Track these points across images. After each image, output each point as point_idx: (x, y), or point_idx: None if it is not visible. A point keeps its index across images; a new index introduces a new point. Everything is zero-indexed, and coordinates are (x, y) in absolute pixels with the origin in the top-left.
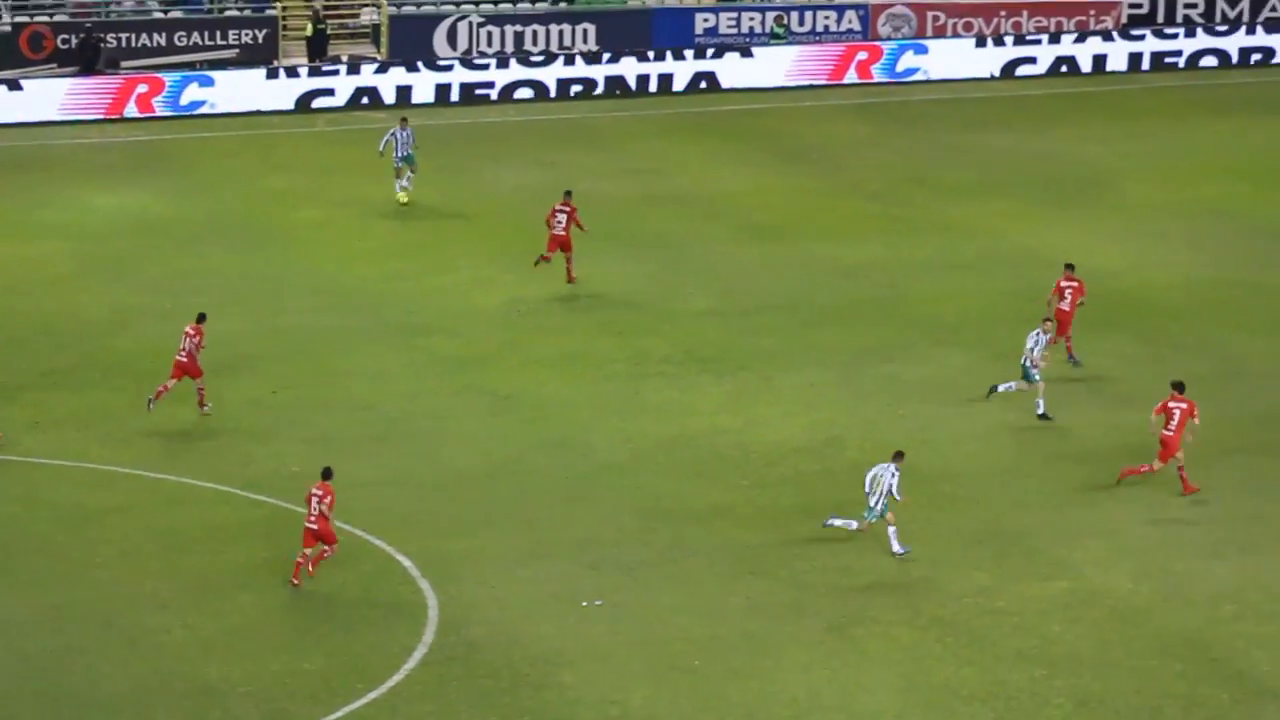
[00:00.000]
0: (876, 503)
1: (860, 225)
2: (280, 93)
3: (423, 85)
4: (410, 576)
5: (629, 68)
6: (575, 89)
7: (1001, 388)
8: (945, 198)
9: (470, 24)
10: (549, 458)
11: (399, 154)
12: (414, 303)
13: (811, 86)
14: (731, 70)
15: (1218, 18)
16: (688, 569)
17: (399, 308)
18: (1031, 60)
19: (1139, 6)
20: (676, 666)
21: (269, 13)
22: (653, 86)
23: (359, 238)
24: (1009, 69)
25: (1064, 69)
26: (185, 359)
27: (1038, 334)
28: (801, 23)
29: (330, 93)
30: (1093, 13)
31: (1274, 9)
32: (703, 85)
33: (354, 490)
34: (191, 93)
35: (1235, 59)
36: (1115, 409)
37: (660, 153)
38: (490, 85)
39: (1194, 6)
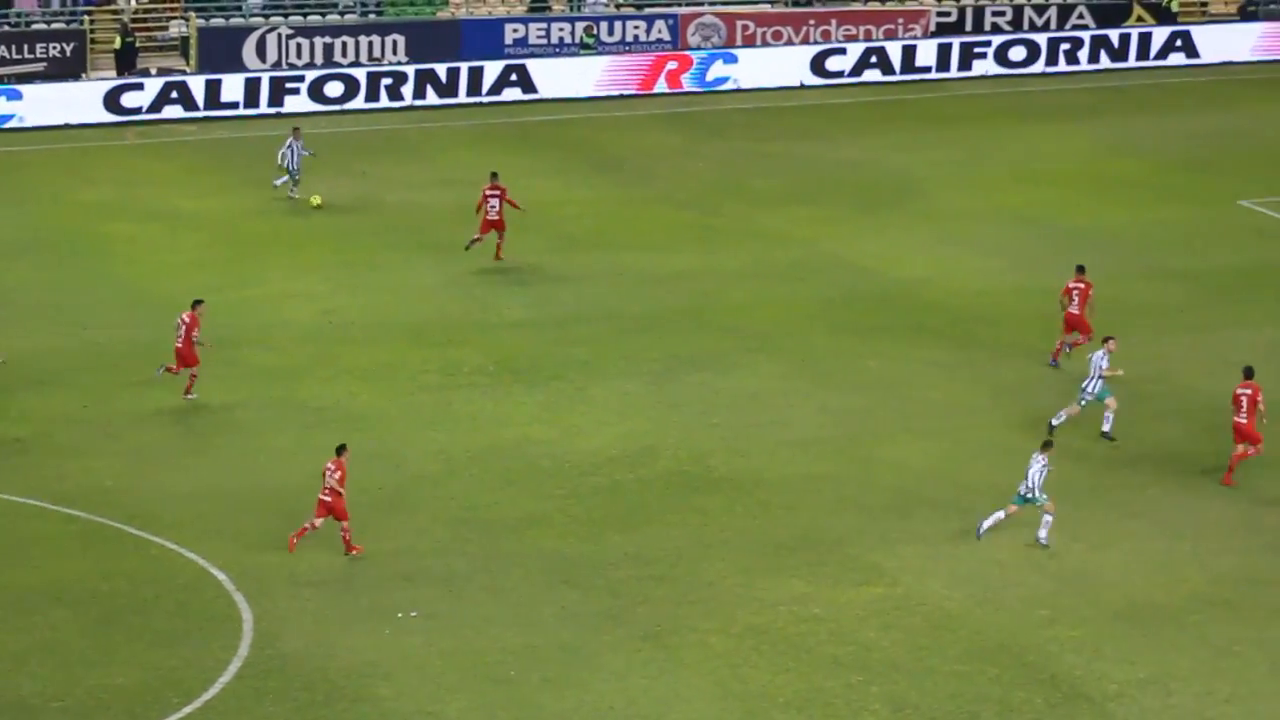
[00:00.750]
0: (1028, 491)
1: (672, 235)
2: (89, 105)
3: (232, 89)
4: (225, 590)
5: (439, 78)
6: (386, 99)
7: (1056, 420)
8: (756, 206)
9: (279, 35)
10: (362, 470)
11: (293, 164)
12: (226, 316)
13: (622, 96)
14: (542, 80)
15: (1025, 26)
16: (503, 579)
17: (211, 321)
18: (841, 70)
19: (947, 15)
20: (492, 677)
21: (77, 26)
22: (463, 97)
23: (170, 251)
24: (819, 78)
25: (873, 78)
26: (182, 345)
27: (1101, 354)
28: (611, 33)
29: (139, 107)
30: (901, 20)
31: (1080, 17)
32: (514, 96)
33: (168, 504)
34: None
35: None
36: (928, 415)
37: (472, 163)
38: (297, 90)
39: (1002, 14)
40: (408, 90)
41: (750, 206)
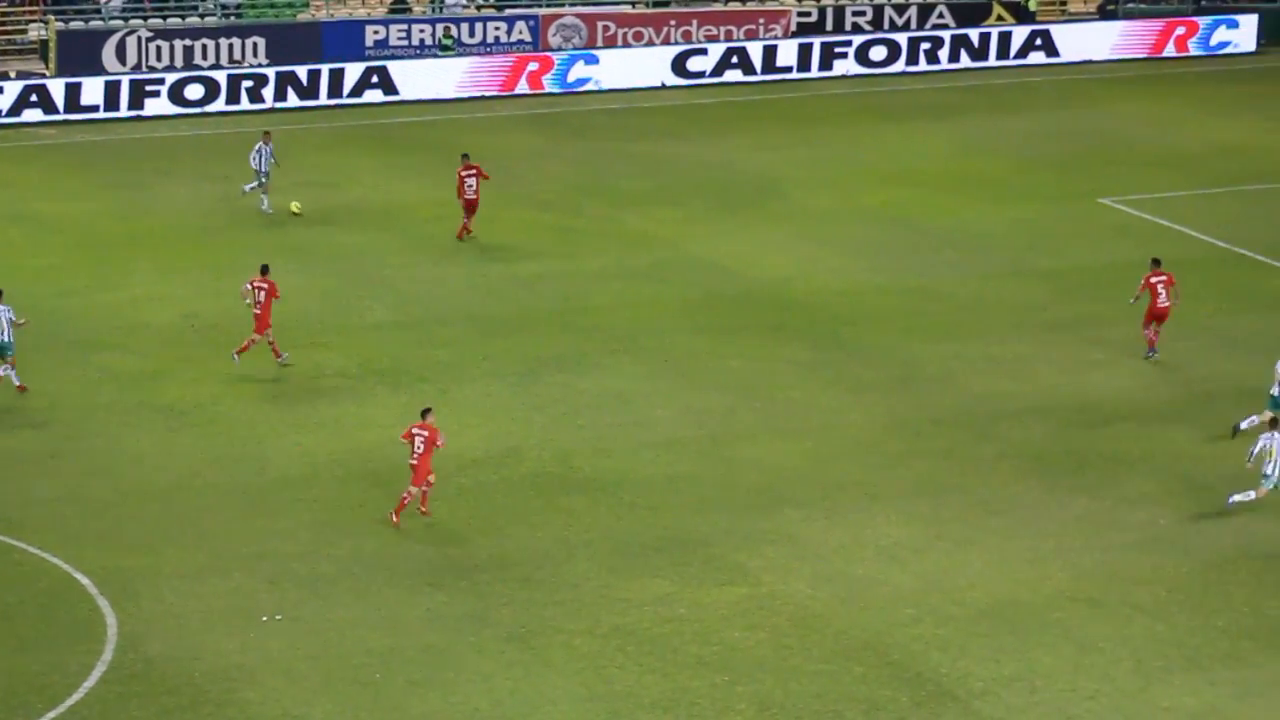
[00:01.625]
0: (1274, 470)
1: (535, 236)
2: None
3: (92, 92)
4: (89, 594)
5: (300, 80)
6: (247, 102)
7: (1244, 424)
8: (619, 207)
9: (139, 38)
10: (225, 472)
11: (263, 168)
12: (87, 319)
13: (484, 98)
14: (403, 82)
15: (886, 26)
16: (367, 582)
17: (71, 325)
18: (702, 70)
19: (808, 15)
20: (358, 680)
21: None
22: (324, 99)
23: (30, 254)
24: (680, 78)
25: (735, 78)
26: (259, 311)
27: None
28: (472, 34)
29: None
30: (762, 21)
31: (941, 16)
32: (375, 98)
33: (30, 508)
34: None
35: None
36: (790, 415)
37: (334, 165)
38: (157, 93)
39: (862, 14)
40: (268, 93)
41: (613, 207)
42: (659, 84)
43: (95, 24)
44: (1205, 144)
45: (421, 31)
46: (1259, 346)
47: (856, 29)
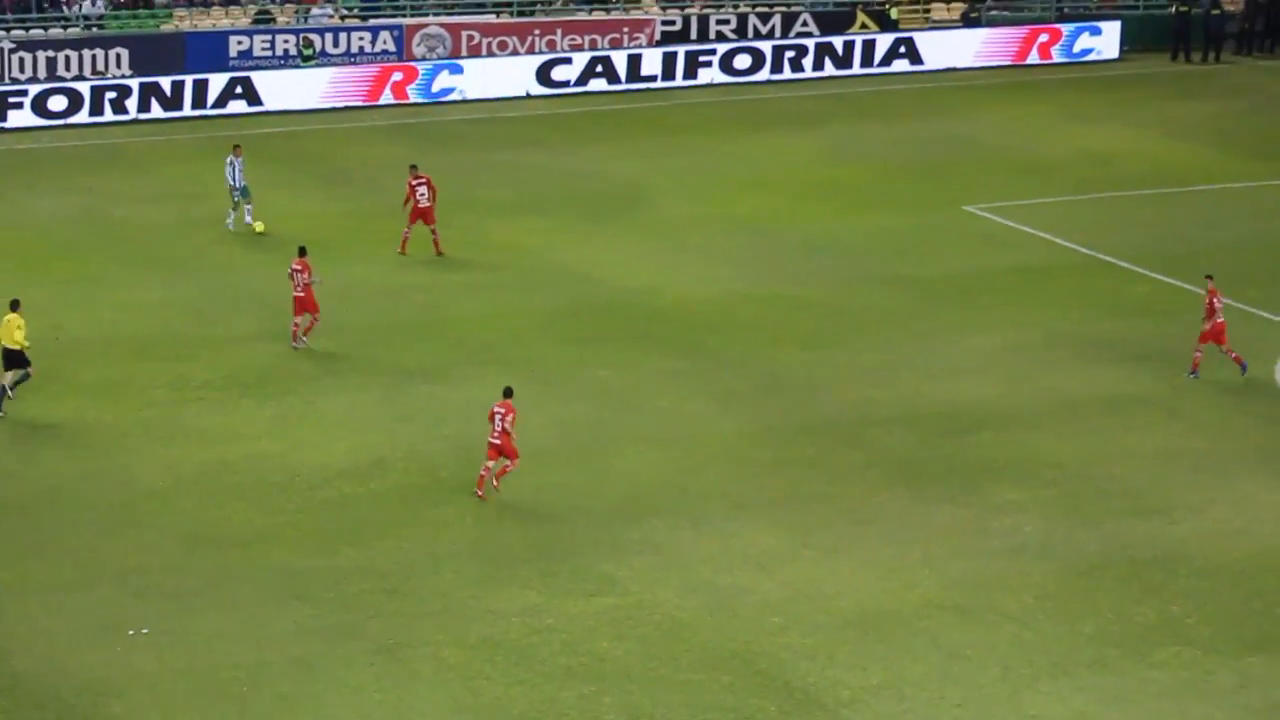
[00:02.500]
0: None
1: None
2: None
3: None
4: None
5: (164, 91)
6: (110, 113)
7: None
8: (484, 217)
9: (2, 50)
10: (90, 486)
11: (237, 184)
12: None
13: (348, 108)
14: (267, 93)
15: (750, 34)
16: (234, 595)
17: None
18: (567, 80)
19: (672, 24)
20: (225, 694)
21: None
22: (188, 110)
23: None
24: (545, 87)
25: (600, 87)
26: (302, 293)
27: None
28: (336, 44)
29: None
30: (626, 30)
31: (805, 24)
32: (239, 109)
33: None
34: None
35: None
36: (658, 425)
37: (198, 176)
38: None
39: (726, 23)
40: (132, 103)
41: (479, 217)
42: (524, 93)
43: None
44: (1070, 151)
45: (285, 42)
46: (1124, 353)
47: (721, 37)
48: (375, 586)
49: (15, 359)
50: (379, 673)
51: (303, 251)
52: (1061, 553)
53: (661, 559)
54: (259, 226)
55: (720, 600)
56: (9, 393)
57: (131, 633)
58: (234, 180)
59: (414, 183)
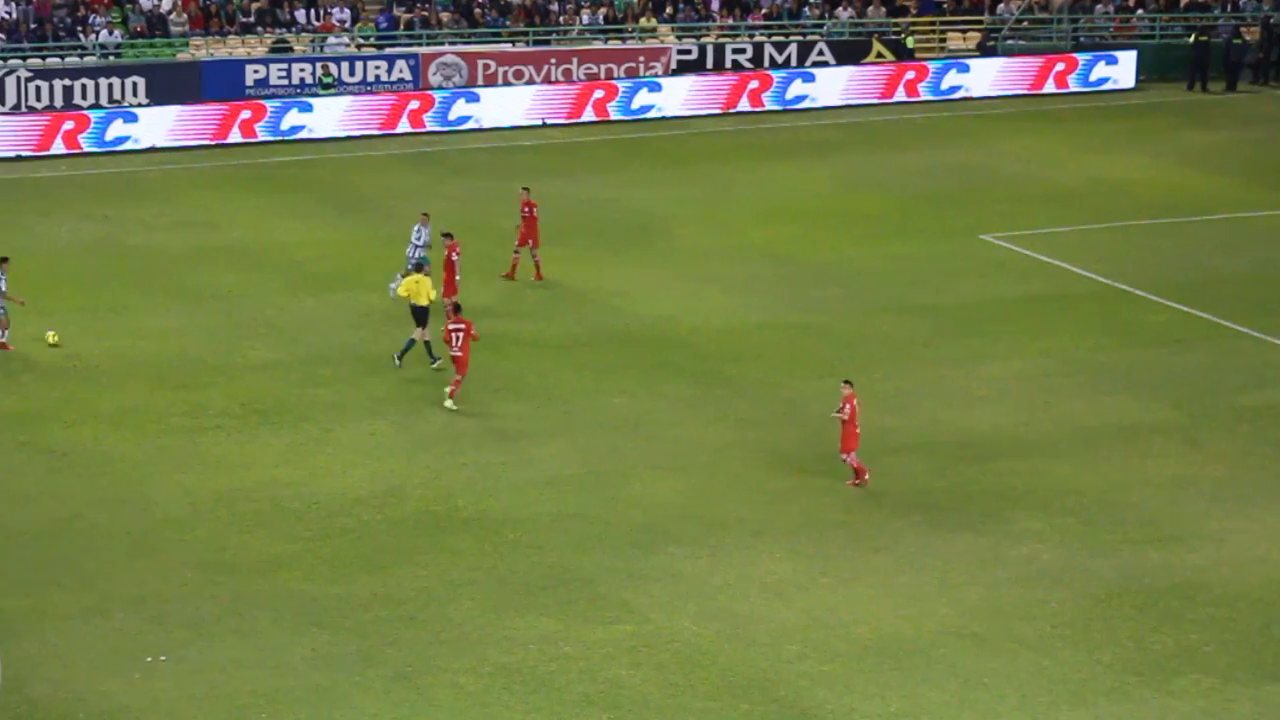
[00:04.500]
0: None
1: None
2: None
3: None
4: None
5: (180, 119)
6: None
7: None
8: (500, 246)
9: (19, 79)
10: (108, 513)
11: (417, 254)
12: None
13: (365, 136)
14: (285, 121)
15: (766, 63)
16: (252, 622)
17: None
18: (586, 107)
19: (688, 53)
20: None
21: None
22: (205, 138)
23: None
24: (563, 116)
25: (615, 115)
26: (459, 353)
27: None
28: (353, 73)
29: None
30: (642, 59)
31: (821, 53)
32: (256, 136)
33: None
34: None
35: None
36: (675, 452)
37: (214, 205)
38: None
39: (742, 51)
40: (148, 132)
41: (495, 246)
42: (540, 121)
43: None
44: (1086, 180)
45: (302, 71)
46: (1140, 382)
47: (737, 66)
48: (393, 614)
49: None
50: (396, 700)
51: (458, 309)
52: (1079, 581)
53: (679, 586)
54: (393, 288)
55: (738, 627)
56: None
57: (149, 660)
58: (417, 248)
59: (527, 203)
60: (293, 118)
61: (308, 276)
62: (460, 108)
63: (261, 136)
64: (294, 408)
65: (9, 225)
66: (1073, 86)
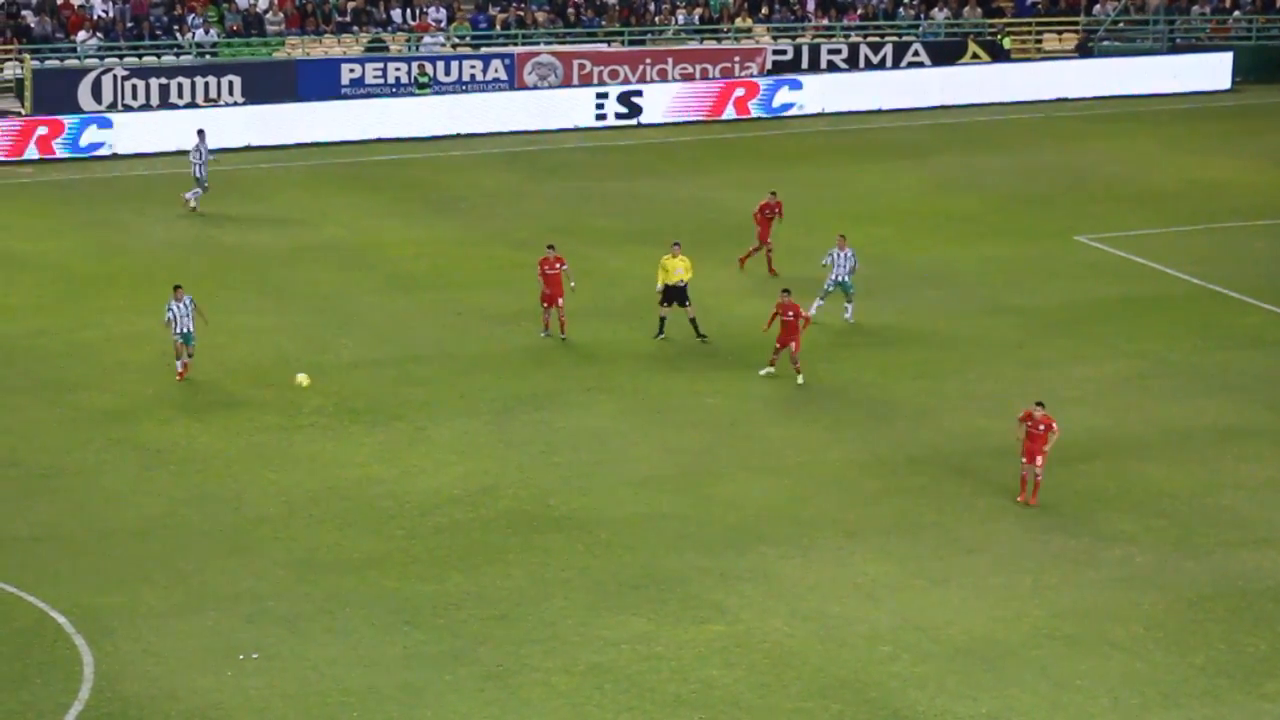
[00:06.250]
0: None
1: (510, 274)
2: None
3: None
4: (65, 633)
5: (276, 117)
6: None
7: None
8: (594, 245)
9: (115, 77)
10: (201, 511)
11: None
12: (62, 358)
13: (459, 135)
14: (380, 120)
15: (861, 64)
16: (344, 620)
17: (47, 363)
18: (681, 108)
19: (783, 53)
20: (334, 719)
21: None
22: (301, 137)
23: (5, 293)
24: (657, 115)
25: (712, 116)
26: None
27: None
28: (448, 73)
29: None
30: (738, 59)
31: (916, 54)
32: (351, 136)
33: (5, 546)
34: None
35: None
36: (767, 453)
37: (308, 204)
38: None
39: (837, 52)
40: (244, 131)
41: (588, 245)
42: (635, 123)
43: (71, 63)
44: (1180, 182)
45: (397, 70)
46: (1234, 384)
47: (832, 67)
48: (485, 613)
49: None
50: (488, 699)
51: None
52: (1172, 583)
53: (771, 587)
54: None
55: (830, 629)
56: None
57: (242, 657)
58: (839, 271)
59: (769, 202)
60: (387, 115)
61: (402, 275)
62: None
63: (356, 135)
64: (387, 406)
65: (106, 223)
66: (1167, 88)
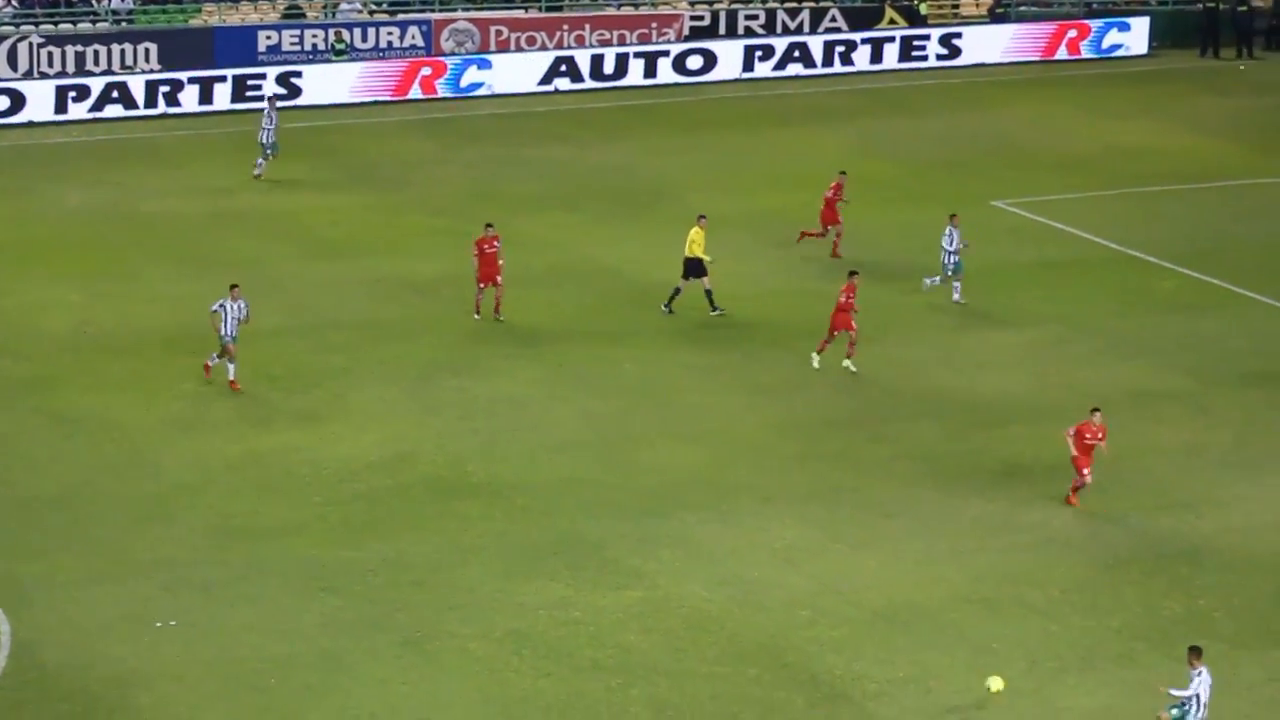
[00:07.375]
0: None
1: (428, 241)
2: None
3: None
4: None
5: (190, 85)
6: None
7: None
8: (512, 212)
9: (31, 44)
10: (119, 479)
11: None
12: None
13: (376, 103)
14: (296, 87)
15: (778, 29)
16: (262, 587)
17: None
18: (596, 74)
19: (700, 19)
20: (252, 686)
21: None
22: (217, 104)
23: None
24: (571, 81)
25: (627, 82)
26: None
27: None
28: (365, 39)
29: None
30: (655, 25)
31: (833, 19)
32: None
33: None
34: None
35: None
36: (686, 419)
37: (226, 171)
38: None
39: (754, 18)
40: (161, 98)
41: (506, 212)
42: (552, 89)
43: None
44: (1098, 146)
45: (314, 36)
46: (1151, 348)
47: (749, 33)
48: (402, 579)
49: None
50: (406, 665)
51: (853, 274)
52: (1089, 547)
53: (689, 552)
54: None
55: (748, 593)
56: None
57: (159, 625)
58: (950, 248)
59: (835, 187)
60: (308, 83)
61: (319, 242)
62: (472, 74)
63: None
64: (305, 374)
65: (21, 191)
66: (1085, 53)
